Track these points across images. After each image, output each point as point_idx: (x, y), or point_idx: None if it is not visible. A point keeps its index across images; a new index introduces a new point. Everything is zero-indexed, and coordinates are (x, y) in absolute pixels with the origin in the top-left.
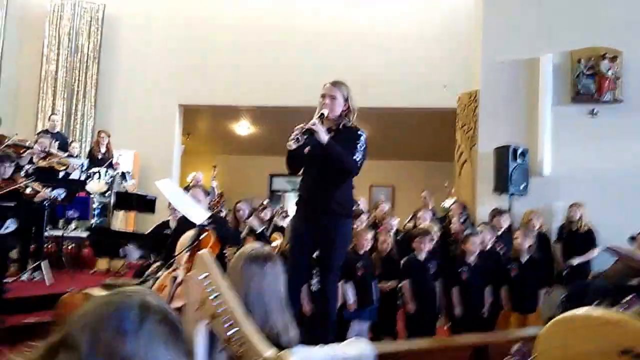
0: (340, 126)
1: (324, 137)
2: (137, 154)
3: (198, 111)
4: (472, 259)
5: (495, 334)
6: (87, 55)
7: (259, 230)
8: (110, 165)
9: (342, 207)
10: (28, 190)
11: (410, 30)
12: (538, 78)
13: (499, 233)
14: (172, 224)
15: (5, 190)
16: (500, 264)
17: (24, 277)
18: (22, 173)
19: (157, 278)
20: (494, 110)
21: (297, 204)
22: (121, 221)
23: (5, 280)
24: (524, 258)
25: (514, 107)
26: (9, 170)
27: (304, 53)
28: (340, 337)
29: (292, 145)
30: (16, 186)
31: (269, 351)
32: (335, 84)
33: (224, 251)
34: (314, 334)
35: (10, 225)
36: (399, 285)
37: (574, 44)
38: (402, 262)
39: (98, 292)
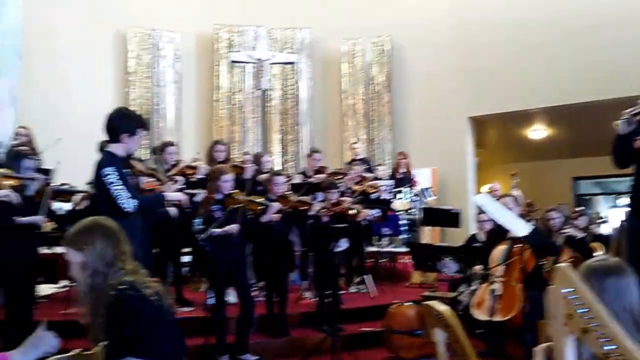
0: None
1: None
2: (434, 170)
3: (487, 122)
4: None
5: None
6: (381, 84)
7: (578, 237)
8: (410, 184)
9: None
10: (351, 212)
11: None
12: None
13: None
14: (480, 237)
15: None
16: None
17: (352, 289)
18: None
19: (473, 290)
20: None
21: (633, 205)
22: (428, 236)
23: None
24: None
25: None
26: (335, 195)
27: (598, 44)
28: None
29: (620, 127)
30: (343, 208)
31: None
32: None
33: (541, 262)
34: None
35: (343, 244)
36: None
37: None
38: None
39: (438, 305)
